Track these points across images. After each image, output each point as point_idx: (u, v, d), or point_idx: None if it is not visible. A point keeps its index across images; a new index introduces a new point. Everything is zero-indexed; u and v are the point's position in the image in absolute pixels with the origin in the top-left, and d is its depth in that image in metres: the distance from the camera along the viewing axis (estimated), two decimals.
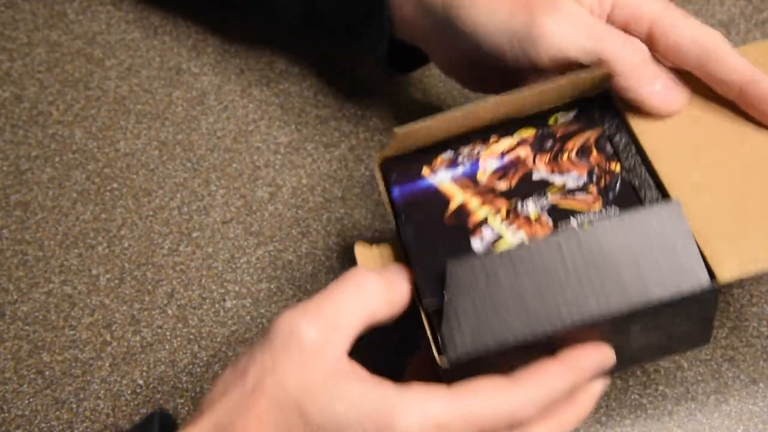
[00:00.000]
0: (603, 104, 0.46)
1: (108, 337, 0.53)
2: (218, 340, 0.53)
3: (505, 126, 0.46)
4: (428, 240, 0.43)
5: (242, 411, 0.37)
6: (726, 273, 0.41)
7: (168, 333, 0.53)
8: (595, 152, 0.44)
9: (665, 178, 0.44)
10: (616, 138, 0.45)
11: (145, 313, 0.54)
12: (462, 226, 0.43)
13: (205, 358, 0.53)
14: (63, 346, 0.53)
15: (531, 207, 0.43)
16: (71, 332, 0.54)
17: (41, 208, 0.58)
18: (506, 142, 0.45)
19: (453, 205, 0.44)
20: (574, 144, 0.45)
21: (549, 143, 0.45)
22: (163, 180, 0.59)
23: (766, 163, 0.44)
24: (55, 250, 0.56)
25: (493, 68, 0.47)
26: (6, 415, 0.51)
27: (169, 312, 0.54)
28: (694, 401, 0.51)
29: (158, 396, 0.52)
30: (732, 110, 0.45)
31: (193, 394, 0.52)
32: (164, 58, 0.64)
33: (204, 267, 0.56)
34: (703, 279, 0.39)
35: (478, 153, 0.45)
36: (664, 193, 0.43)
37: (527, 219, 0.43)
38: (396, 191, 0.45)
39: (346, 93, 0.62)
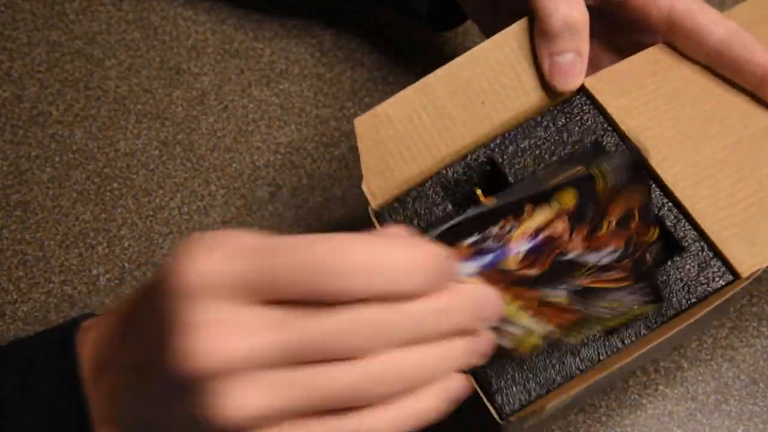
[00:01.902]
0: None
1: None
2: None
3: (545, 191, 0.37)
4: None
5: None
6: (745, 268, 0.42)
7: None
8: (636, 219, 0.38)
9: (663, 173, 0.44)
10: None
11: None
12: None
13: None
14: None
15: (559, 294, 0.37)
16: None
17: (41, 208, 0.58)
18: (543, 215, 0.37)
19: None
20: (615, 210, 0.37)
21: (590, 213, 0.37)
22: (163, 180, 0.59)
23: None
24: (55, 250, 0.56)
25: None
26: None
27: None
28: (694, 401, 0.51)
29: None
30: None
31: None
32: (164, 58, 0.64)
33: None
34: None
35: (510, 232, 0.36)
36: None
37: (557, 309, 0.38)
38: None
39: (346, 93, 0.62)
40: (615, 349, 0.40)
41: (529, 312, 0.37)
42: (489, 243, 0.36)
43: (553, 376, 0.40)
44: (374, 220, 0.45)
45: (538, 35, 0.44)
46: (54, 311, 0.54)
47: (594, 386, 0.41)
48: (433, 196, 0.44)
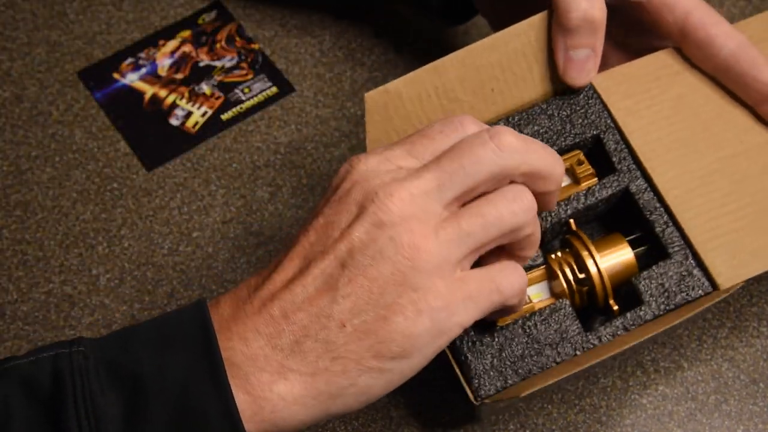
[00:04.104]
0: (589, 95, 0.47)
1: None
2: None
3: (166, 31, 0.63)
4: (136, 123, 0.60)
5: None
6: (725, 282, 0.42)
7: None
8: (238, 39, 0.62)
9: (658, 178, 0.44)
10: (608, 136, 0.46)
11: (145, 313, 0.54)
12: (159, 110, 0.59)
13: None
14: None
15: (205, 87, 0.60)
16: (71, 332, 0.54)
17: (41, 208, 0.58)
18: (172, 43, 0.61)
19: (147, 97, 0.60)
20: (222, 36, 0.62)
21: (204, 38, 0.62)
22: (163, 180, 0.59)
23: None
24: (55, 250, 0.56)
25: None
26: None
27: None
28: (694, 401, 0.51)
29: None
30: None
31: None
32: None
33: (204, 267, 0.56)
34: None
35: (154, 55, 0.61)
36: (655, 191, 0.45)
37: (205, 96, 0.60)
38: (98, 95, 0.59)
39: (346, 93, 0.62)
40: (591, 346, 0.42)
41: (184, 100, 0.59)
42: (141, 61, 0.61)
43: (530, 366, 0.42)
44: None
45: (557, 29, 0.45)
46: (54, 311, 0.54)
47: (570, 377, 0.41)
48: None
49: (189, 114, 0.59)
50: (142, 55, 0.62)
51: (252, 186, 0.58)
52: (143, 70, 0.61)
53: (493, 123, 0.46)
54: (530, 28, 0.45)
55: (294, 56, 0.63)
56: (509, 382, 0.41)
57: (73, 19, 0.65)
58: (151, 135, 0.60)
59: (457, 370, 0.42)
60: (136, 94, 0.61)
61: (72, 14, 0.65)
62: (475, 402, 0.41)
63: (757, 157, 0.45)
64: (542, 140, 0.45)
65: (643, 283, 0.43)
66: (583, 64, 0.45)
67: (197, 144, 0.60)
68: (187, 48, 0.61)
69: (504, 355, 0.42)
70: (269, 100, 0.61)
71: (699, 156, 0.45)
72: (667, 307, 0.43)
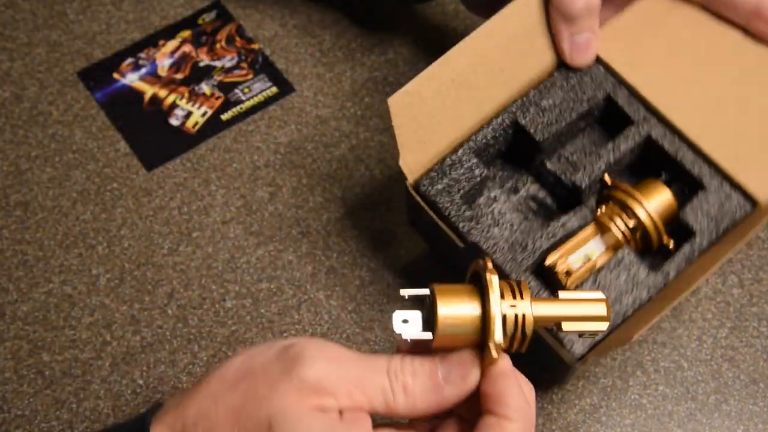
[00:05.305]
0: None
1: (108, 337, 0.53)
2: (218, 340, 0.53)
3: (166, 31, 0.62)
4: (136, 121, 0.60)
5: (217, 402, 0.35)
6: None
7: (168, 333, 0.53)
8: (238, 39, 0.62)
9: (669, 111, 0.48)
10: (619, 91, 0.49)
11: (145, 313, 0.54)
12: (159, 110, 0.59)
13: (205, 358, 0.53)
14: (63, 346, 0.53)
15: (205, 87, 0.60)
16: (71, 332, 0.54)
17: (41, 208, 0.58)
18: (172, 43, 0.61)
19: (147, 97, 0.60)
20: (222, 36, 0.61)
21: (204, 38, 0.62)
22: (163, 180, 0.59)
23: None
24: (55, 250, 0.56)
25: None
26: (6, 415, 0.51)
27: (169, 312, 0.54)
28: (694, 401, 0.51)
29: (158, 396, 0.52)
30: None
31: None
32: None
33: (204, 267, 0.56)
34: None
35: (154, 55, 0.60)
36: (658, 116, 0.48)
37: (205, 96, 0.59)
38: (98, 95, 0.59)
39: (346, 93, 0.62)
40: (662, 285, 0.45)
41: (184, 100, 0.58)
42: (141, 62, 0.61)
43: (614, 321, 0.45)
44: (413, 193, 0.47)
45: (558, 17, 0.46)
46: (54, 311, 0.54)
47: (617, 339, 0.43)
48: (467, 161, 0.48)
49: (189, 114, 0.59)
50: (142, 55, 0.62)
51: (252, 186, 0.58)
52: (143, 70, 0.61)
53: (509, 104, 0.49)
54: (521, 8, 0.48)
55: (294, 56, 0.63)
56: (596, 339, 0.44)
57: (73, 19, 0.65)
58: (151, 135, 0.60)
59: (547, 338, 0.44)
60: (136, 94, 0.61)
61: (72, 14, 0.65)
62: (574, 363, 0.43)
63: (757, 73, 0.48)
64: (559, 111, 0.49)
65: (689, 216, 0.46)
66: (587, 45, 0.47)
67: (197, 144, 0.60)
68: (187, 48, 0.61)
69: None
70: (269, 100, 0.61)
71: (704, 88, 0.48)
72: (717, 233, 0.46)
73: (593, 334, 0.36)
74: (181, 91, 0.61)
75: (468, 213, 0.47)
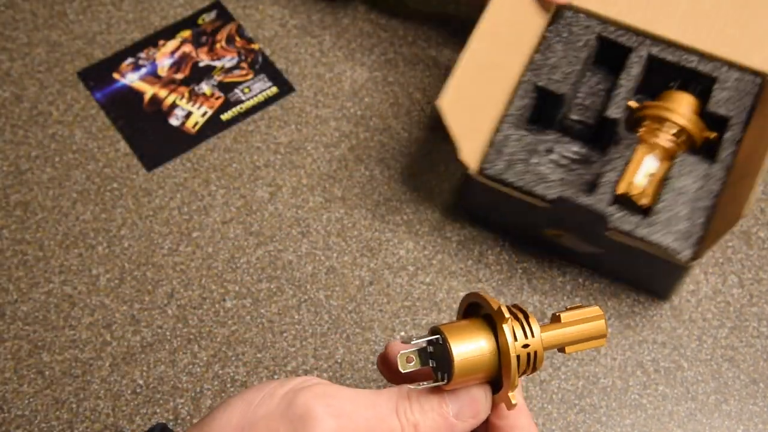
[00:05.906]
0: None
1: (108, 337, 0.53)
2: (218, 340, 0.53)
3: (166, 31, 0.62)
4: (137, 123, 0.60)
5: None
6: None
7: (168, 333, 0.53)
8: (238, 39, 0.62)
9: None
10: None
11: (145, 313, 0.54)
12: (159, 110, 0.59)
13: (205, 358, 0.53)
14: (63, 346, 0.53)
15: (205, 87, 0.60)
16: (71, 332, 0.54)
17: (41, 208, 0.58)
18: (172, 43, 0.61)
19: (147, 97, 0.60)
20: (222, 36, 0.61)
21: (204, 38, 0.62)
22: (163, 180, 0.59)
23: None
24: (55, 250, 0.56)
25: None
26: (6, 415, 0.51)
27: (169, 312, 0.54)
28: (694, 401, 0.51)
29: (158, 396, 0.52)
30: None
31: (193, 394, 0.52)
32: None
33: (204, 267, 0.56)
34: None
35: (154, 55, 0.60)
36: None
37: (205, 96, 0.59)
38: (98, 95, 0.60)
39: (346, 93, 0.62)
40: (725, 171, 0.51)
41: (184, 100, 0.59)
42: (141, 62, 0.61)
43: (701, 212, 0.50)
44: (480, 179, 0.52)
45: None
46: (54, 311, 0.54)
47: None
48: (512, 134, 0.53)
49: (189, 114, 0.59)
50: (142, 55, 0.62)
51: (252, 186, 0.58)
52: (143, 70, 0.61)
53: (523, 74, 0.55)
54: None
55: (294, 56, 0.63)
56: (695, 232, 0.49)
57: (73, 19, 0.65)
58: (151, 135, 0.60)
59: (652, 250, 0.49)
60: (136, 94, 0.61)
61: (72, 14, 0.65)
62: (687, 263, 0.48)
63: None
64: (567, 62, 0.55)
65: (716, 106, 0.52)
66: None
67: (197, 144, 0.60)
68: (187, 48, 0.61)
69: (672, 219, 0.50)
70: (269, 100, 0.61)
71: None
72: (747, 114, 0.52)
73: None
74: (181, 91, 0.61)
75: (534, 177, 0.52)
